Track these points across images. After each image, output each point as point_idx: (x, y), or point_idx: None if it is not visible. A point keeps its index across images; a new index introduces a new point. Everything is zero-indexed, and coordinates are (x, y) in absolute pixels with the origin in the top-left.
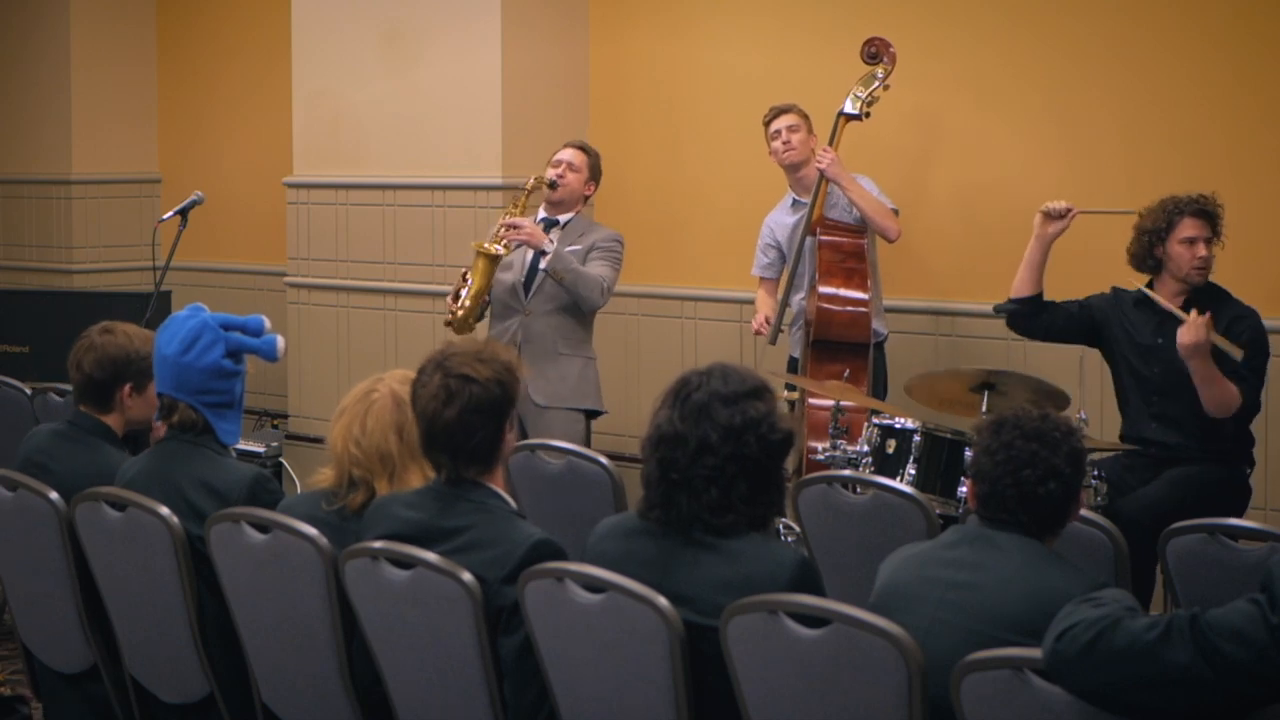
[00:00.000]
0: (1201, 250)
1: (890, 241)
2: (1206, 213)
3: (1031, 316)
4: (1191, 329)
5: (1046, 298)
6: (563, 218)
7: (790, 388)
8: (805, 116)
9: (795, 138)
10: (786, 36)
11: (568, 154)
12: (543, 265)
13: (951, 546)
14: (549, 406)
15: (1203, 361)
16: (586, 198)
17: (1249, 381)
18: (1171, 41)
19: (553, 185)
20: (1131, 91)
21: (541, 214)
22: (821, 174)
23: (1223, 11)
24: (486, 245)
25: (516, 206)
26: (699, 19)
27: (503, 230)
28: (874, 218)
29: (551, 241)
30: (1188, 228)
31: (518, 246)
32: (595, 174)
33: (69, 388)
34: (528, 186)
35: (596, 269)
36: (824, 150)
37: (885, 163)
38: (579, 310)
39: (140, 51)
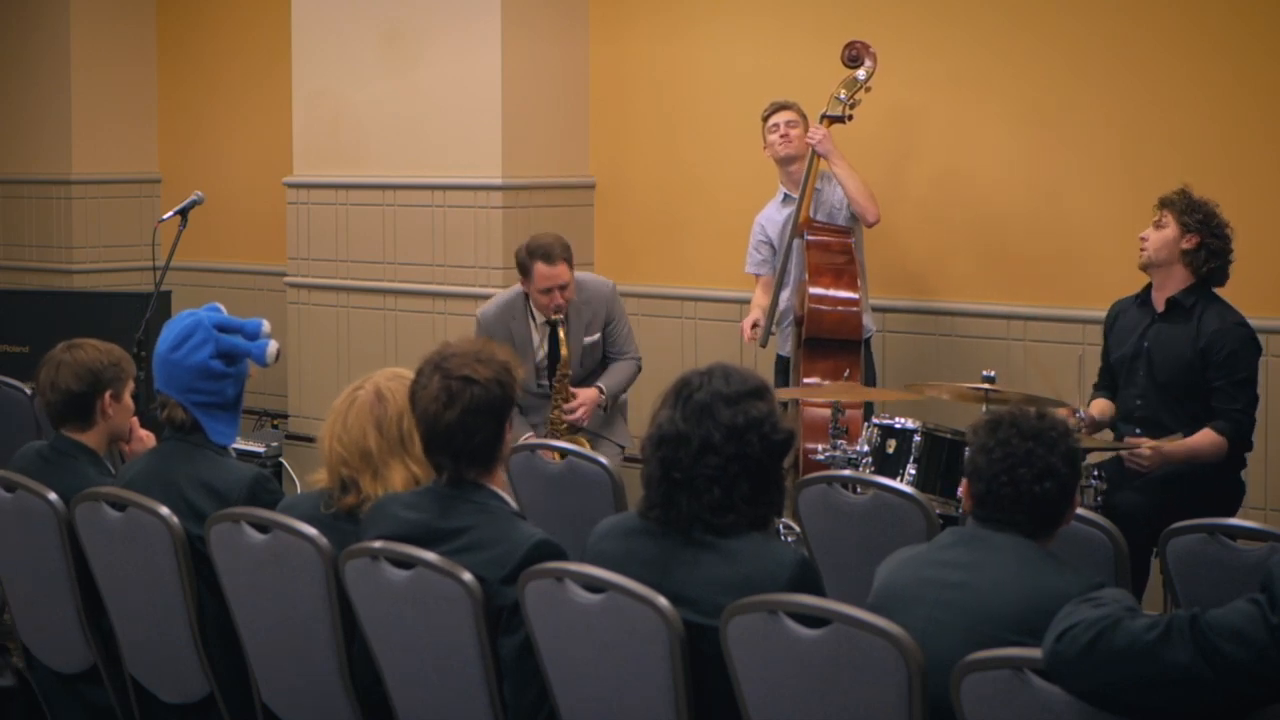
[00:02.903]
0: (1146, 232)
1: (868, 225)
2: (1165, 201)
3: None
4: (1145, 464)
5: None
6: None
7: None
8: (804, 116)
9: (794, 133)
10: (786, 37)
11: (558, 277)
12: (603, 413)
13: (947, 548)
14: (623, 445)
15: (1172, 459)
16: None
17: (1234, 400)
18: (1171, 41)
19: (565, 318)
20: (1131, 91)
21: (542, 319)
22: (813, 159)
23: (1223, 11)
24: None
25: (566, 377)
26: (699, 19)
27: (565, 424)
28: (856, 196)
29: (601, 391)
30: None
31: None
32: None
33: None
34: (538, 345)
35: (626, 346)
36: (815, 127)
37: (881, 161)
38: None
39: (140, 51)
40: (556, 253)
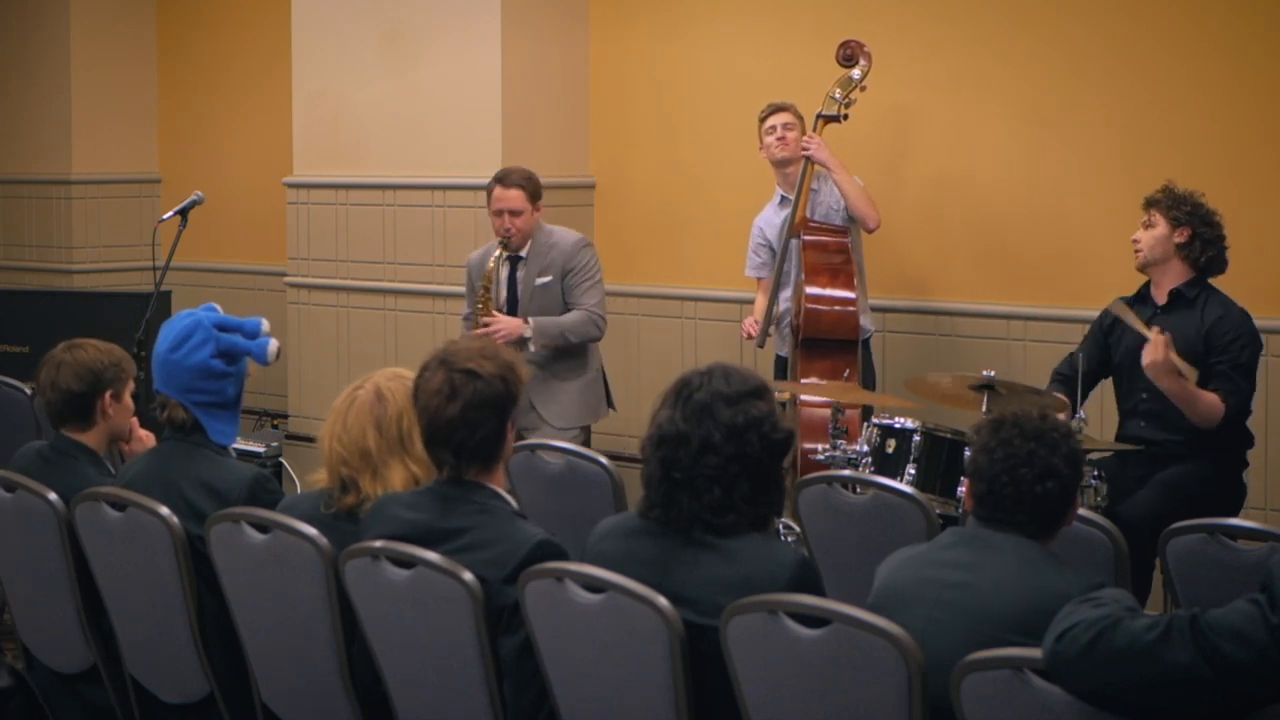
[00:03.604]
0: (1137, 234)
1: (869, 230)
2: (1149, 201)
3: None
4: (1150, 350)
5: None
6: (523, 252)
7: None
8: (800, 118)
9: (790, 135)
10: (786, 37)
11: (508, 200)
12: (531, 349)
13: (948, 548)
14: (560, 428)
15: (1172, 380)
16: (537, 221)
17: (1235, 382)
18: (1171, 41)
19: (507, 244)
20: (1131, 91)
21: (502, 253)
22: (807, 161)
23: (1223, 11)
24: None
25: (486, 290)
26: (699, 19)
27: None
28: (856, 203)
29: (526, 322)
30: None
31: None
32: (536, 197)
33: None
34: (490, 266)
35: (583, 299)
36: (809, 137)
37: (880, 161)
38: None
39: (140, 51)
40: (513, 178)
